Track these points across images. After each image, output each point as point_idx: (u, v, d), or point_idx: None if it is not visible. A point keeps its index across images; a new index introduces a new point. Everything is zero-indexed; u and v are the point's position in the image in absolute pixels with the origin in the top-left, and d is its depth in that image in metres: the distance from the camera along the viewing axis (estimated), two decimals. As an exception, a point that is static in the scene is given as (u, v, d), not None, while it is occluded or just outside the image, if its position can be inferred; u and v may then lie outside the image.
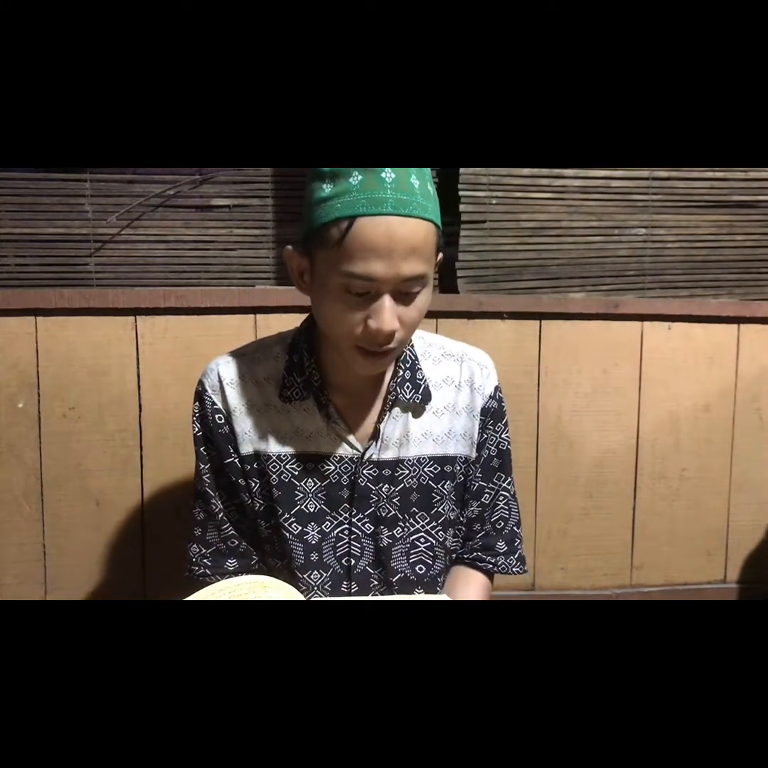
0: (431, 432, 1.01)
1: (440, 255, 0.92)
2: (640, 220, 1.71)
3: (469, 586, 1.07)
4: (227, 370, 1.00)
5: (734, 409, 1.72)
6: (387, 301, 0.84)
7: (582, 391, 1.67)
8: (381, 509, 0.99)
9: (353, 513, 0.99)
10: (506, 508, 1.09)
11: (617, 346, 1.67)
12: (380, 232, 0.80)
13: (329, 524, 0.99)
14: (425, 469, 1.01)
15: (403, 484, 1.00)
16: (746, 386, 1.72)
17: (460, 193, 1.63)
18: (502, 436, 1.08)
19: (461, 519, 1.07)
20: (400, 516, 1.00)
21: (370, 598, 0.99)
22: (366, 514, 0.99)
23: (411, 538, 1.01)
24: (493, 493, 1.08)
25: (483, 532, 1.08)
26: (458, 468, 1.04)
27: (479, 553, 1.08)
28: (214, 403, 0.99)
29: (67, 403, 1.51)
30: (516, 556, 1.09)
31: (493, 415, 1.05)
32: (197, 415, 1.01)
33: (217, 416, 0.99)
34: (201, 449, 1.01)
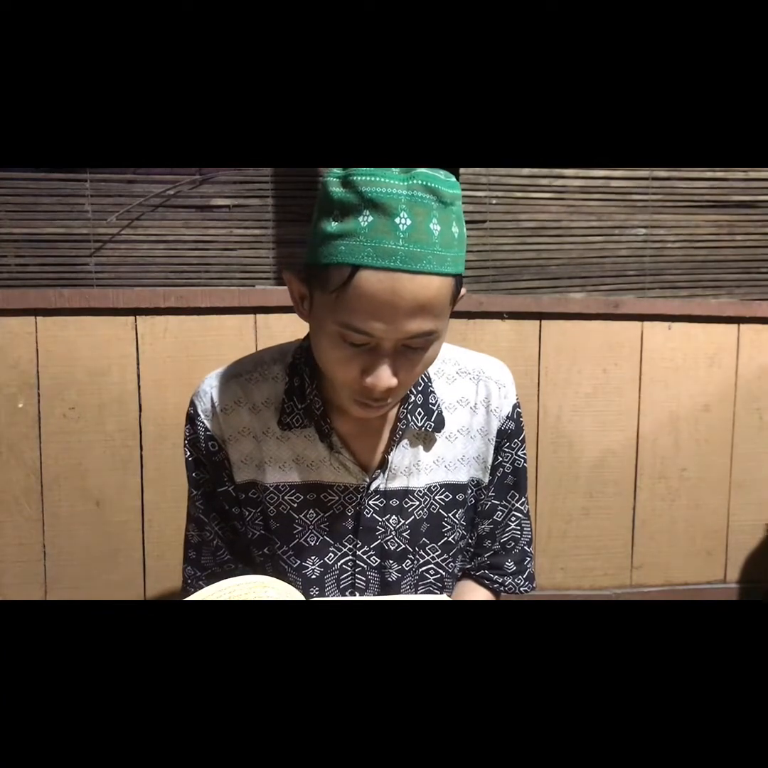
0: (443, 458, 0.94)
1: (463, 290, 0.82)
2: (640, 220, 1.71)
3: (474, 599, 1.03)
4: (221, 394, 0.92)
5: (734, 409, 1.73)
6: (386, 358, 0.76)
7: (582, 391, 1.67)
8: (389, 542, 0.93)
9: (358, 545, 0.93)
10: (518, 528, 1.04)
11: (617, 346, 1.67)
12: (384, 288, 0.71)
13: (332, 556, 0.94)
14: (436, 498, 0.95)
15: (412, 517, 0.94)
16: (746, 386, 1.72)
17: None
18: (518, 453, 1.00)
19: (470, 540, 1.02)
20: (409, 549, 0.94)
21: (369, 597, 0.99)
22: (372, 547, 0.93)
23: (420, 571, 0.96)
24: (505, 511, 1.02)
25: (492, 552, 1.04)
26: (470, 492, 0.97)
27: (486, 572, 1.04)
28: (207, 429, 0.92)
29: (67, 403, 1.51)
30: (525, 576, 1.05)
31: (509, 435, 0.98)
32: (189, 439, 0.94)
33: (210, 443, 0.93)
34: (193, 475, 0.95)
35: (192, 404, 0.94)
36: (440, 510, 0.95)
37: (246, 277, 1.66)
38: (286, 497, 0.92)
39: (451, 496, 0.96)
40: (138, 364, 1.52)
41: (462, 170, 1.63)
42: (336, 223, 0.73)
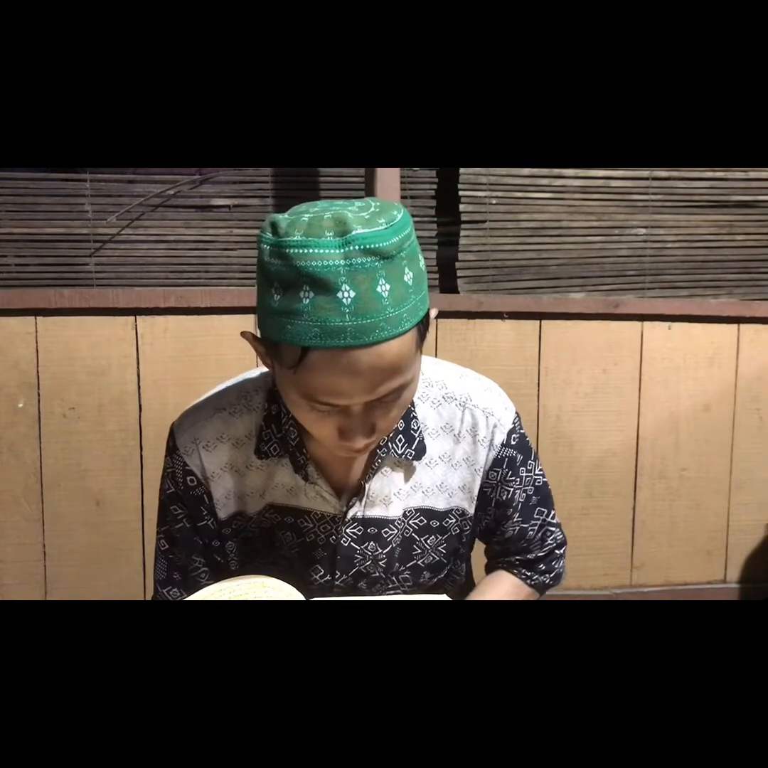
0: (421, 484, 0.91)
1: (434, 311, 0.77)
2: (640, 220, 1.71)
3: (501, 582, 0.99)
4: (203, 430, 0.88)
5: (734, 409, 1.73)
6: (357, 419, 0.73)
7: (582, 391, 1.67)
8: (367, 568, 0.92)
9: (337, 575, 0.91)
10: (553, 541, 1.00)
11: (617, 346, 1.67)
12: (339, 366, 0.67)
13: (310, 577, 0.92)
14: (410, 522, 0.92)
15: (390, 545, 0.91)
16: (746, 386, 1.72)
17: (460, 193, 1.63)
18: (535, 472, 0.96)
19: (453, 566, 0.98)
20: (383, 576, 0.93)
21: (369, 597, 0.99)
22: (350, 574, 0.91)
23: (386, 593, 0.94)
24: (537, 528, 0.98)
25: (522, 549, 0.99)
26: (452, 520, 0.93)
27: (518, 567, 1.00)
28: (185, 464, 0.88)
29: (67, 403, 1.51)
30: (552, 575, 1.00)
31: (510, 463, 0.93)
32: (168, 471, 0.90)
33: (188, 478, 0.89)
34: (171, 508, 0.91)
35: (172, 436, 0.90)
36: (413, 534, 0.92)
37: (246, 277, 1.66)
38: (266, 515, 0.90)
39: (425, 521, 0.92)
40: (138, 364, 1.52)
41: (462, 170, 1.63)
42: (278, 298, 0.68)
